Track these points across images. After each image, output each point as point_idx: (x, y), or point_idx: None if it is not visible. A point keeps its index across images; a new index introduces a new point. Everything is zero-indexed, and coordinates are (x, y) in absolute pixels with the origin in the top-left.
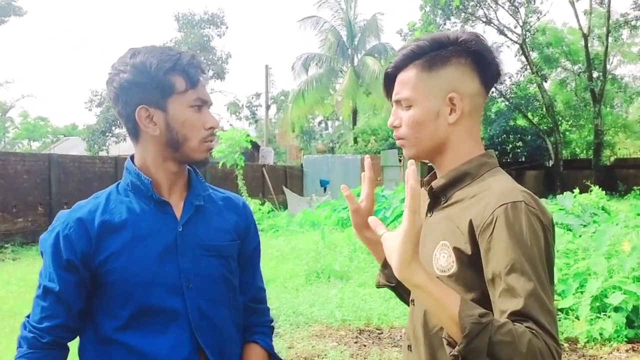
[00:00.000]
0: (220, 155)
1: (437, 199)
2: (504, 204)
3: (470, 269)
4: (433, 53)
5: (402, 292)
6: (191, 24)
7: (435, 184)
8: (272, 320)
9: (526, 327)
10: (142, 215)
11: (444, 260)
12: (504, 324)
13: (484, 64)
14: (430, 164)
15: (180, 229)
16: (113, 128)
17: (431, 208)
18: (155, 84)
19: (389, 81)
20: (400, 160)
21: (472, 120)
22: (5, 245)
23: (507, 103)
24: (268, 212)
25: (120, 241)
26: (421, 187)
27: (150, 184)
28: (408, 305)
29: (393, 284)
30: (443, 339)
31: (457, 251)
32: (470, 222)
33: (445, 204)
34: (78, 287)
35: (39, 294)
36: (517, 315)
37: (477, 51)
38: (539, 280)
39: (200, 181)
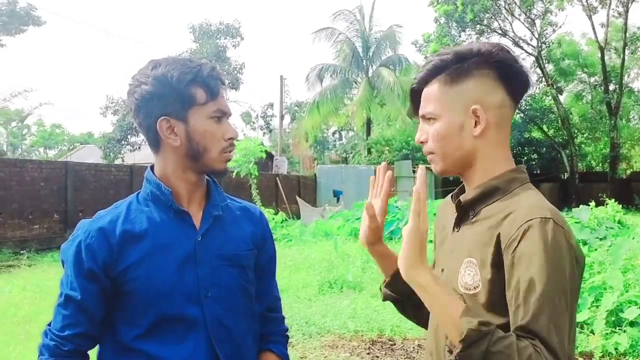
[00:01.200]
0: (234, 164)
1: (466, 213)
2: (531, 219)
3: (496, 289)
4: (455, 66)
5: (406, 306)
6: (207, 35)
7: (463, 198)
8: (287, 329)
9: (531, 343)
10: (162, 224)
11: (470, 278)
12: (506, 336)
13: (509, 75)
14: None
15: (200, 239)
16: (129, 136)
17: (458, 223)
18: (177, 95)
19: (415, 97)
20: (414, 172)
21: (499, 132)
22: (21, 252)
23: (522, 115)
24: (281, 222)
25: (141, 250)
26: (452, 200)
27: (170, 194)
28: (412, 321)
29: (398, 297)
30: (445, 346)
31: (484, 269)
32: (498, 238)
33: (474, 219)
34: (99, 295)
35: (60, 302)
36: (524, 331)
37: (500, 61)
38: (555, 298)
39: (218, 191)
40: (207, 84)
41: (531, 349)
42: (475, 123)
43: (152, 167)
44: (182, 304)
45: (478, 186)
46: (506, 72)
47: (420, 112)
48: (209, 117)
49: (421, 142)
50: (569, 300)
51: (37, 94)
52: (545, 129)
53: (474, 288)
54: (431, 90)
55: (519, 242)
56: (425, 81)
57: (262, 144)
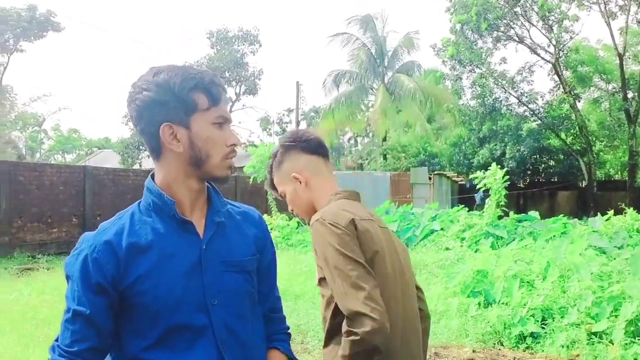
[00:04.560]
0: (250, 170)
1: None
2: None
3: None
4: (273, 162)
5: None
6: (224, 41)
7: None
8: (288, 328)
9: None
10: (167, 235)
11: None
12: None
13: (307, 146)
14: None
15: (204, 247)
16: None
17: None
18: (179, 101)
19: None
20: (430, 178)
21: (317, 177)
22: (40, 255)
23: (539, 122)
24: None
25: (148, 262)
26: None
27: (172, 204)
28: None
29: None
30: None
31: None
32: None
33: None
34: (107, 309)
35: (67, 318)
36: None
37: (285, 145)
38: (337, 268)
39: (219, 197)
40: (208, 90)
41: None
42: (301, 182)
43: (152, 176)
44: (190, 313)
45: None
46: (293, 146)
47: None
48: (211, 123)
49: (292, 211)
50: (344, 268)
51: (55, 99)
52: (563, 137)
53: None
54: (273, 180)
55: None
56: (271, 180)
57: None
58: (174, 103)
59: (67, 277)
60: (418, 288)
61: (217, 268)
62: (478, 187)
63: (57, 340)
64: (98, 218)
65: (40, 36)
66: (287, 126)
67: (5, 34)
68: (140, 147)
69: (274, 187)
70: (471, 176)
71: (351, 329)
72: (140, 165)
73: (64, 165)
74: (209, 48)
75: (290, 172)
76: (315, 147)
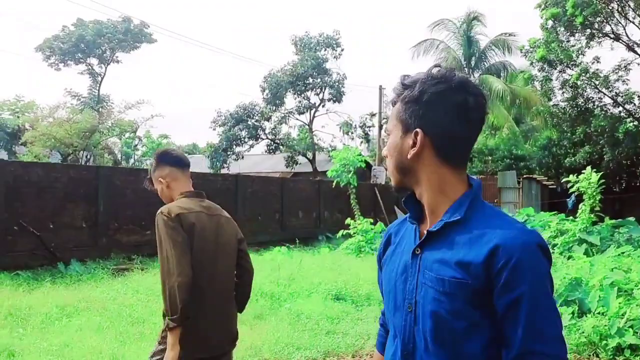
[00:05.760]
0: (333, 174)
1: None
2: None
3: None
4: (151, 169)
5: None
6: (308, 47)
7: None
8: None
9: None
10: (407, 232)
11: None
12: None
13: (165, 157)
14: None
15: (417, 251)
16: (234, 146)
17: None
18: None
19: None
20: (519, 182)
21: (175, 183)
22: (134, 256)
23: (635, 124)
24: (380, 232)
25: (388, 252)
26: None
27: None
28: None
29: None
30: None
31: None
32: None
33: None
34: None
35: None
36: None
37: (157, 158)
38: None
39: (460, 206)
40: None
41: None
42: (163, 184)
43: None
44: (392, 310)
45: None
46: (168, 159)
47: None
48: None
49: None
50: (168, 245)
51: (148, 106)
52: None
53: None
54: (152, 180)
55: None
56: (149, 180)
57: (361, 154)
58: None
59: None
60: (244, 252)
61: (418, 277)
62: (571, 191)
63: None
64: None
65: (135, 47)
66: (369, 130)
67: (102, 46)
68: (228, 151)
69: (152, 185)
70: (564, 179)
71: (164, 281)
72: (228, 169)
73: None
74: (293, 54)
75: (158, 177)
76: (175, 161)
